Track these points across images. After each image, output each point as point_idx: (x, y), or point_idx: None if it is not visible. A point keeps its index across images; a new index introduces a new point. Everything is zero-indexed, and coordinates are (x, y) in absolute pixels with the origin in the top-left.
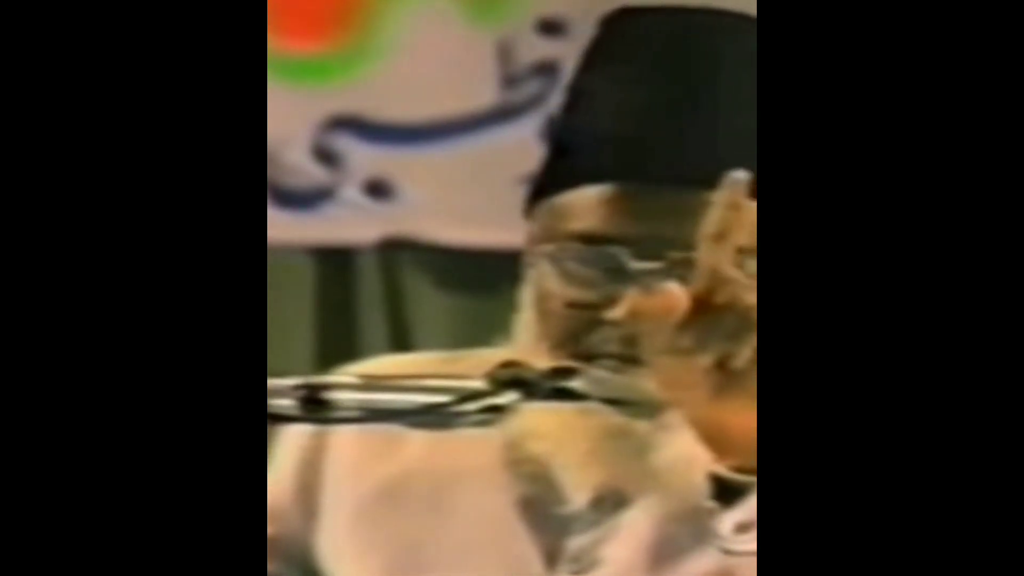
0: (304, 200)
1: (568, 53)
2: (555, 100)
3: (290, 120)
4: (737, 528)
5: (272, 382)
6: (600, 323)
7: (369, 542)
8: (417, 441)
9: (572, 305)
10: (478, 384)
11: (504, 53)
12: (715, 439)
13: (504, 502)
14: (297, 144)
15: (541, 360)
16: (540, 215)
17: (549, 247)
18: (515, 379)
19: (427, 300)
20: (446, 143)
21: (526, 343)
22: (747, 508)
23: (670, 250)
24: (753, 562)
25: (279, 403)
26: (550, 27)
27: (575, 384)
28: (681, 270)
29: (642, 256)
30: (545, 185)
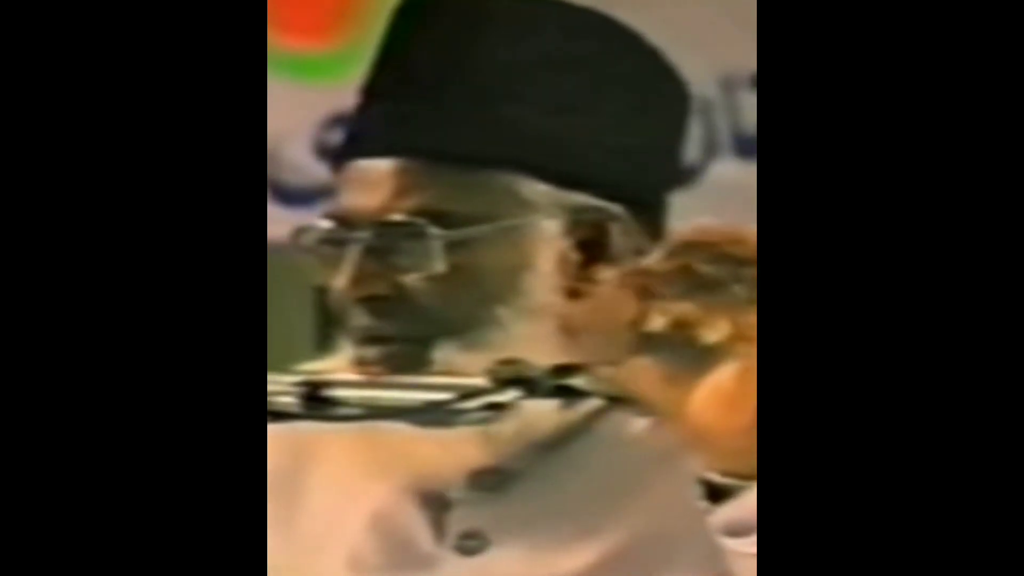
0: (304, 197)
1: None
2: None
3: (291, 117)
4: (723, 530)
5: (273, 379)
6: (353, 303)
7: (287, 522)
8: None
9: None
10: (479, 382)
11: None
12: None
13: (400, 485)
14: (298, 141)
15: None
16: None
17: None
18: (516, 377)
19: None
20: None
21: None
22: (735, 508)
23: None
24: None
25: (280, 400)
26: None
27: (576, 382)
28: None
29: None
30: (338, 159)
